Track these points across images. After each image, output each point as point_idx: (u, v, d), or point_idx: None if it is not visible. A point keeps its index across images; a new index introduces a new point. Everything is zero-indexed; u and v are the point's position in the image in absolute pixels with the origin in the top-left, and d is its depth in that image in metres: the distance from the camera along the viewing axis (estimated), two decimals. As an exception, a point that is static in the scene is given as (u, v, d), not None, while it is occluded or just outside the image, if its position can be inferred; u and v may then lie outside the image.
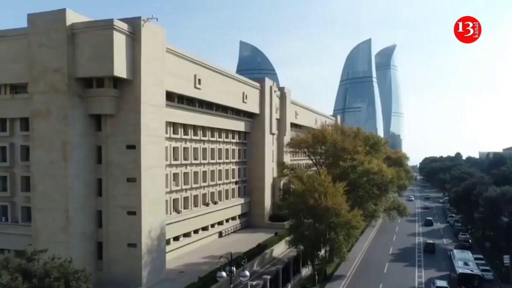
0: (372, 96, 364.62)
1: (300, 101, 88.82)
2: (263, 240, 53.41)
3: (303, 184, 39.30)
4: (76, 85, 35.82)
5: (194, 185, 51.92)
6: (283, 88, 77.14)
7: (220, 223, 59.16)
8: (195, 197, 52.88)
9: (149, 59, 37.93)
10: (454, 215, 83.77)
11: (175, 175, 48.13)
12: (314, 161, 51.90)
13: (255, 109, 65.91)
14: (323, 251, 42.48)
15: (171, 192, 46.95)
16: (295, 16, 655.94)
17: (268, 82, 68.58)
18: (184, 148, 50.00)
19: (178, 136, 48.15)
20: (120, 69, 35.43)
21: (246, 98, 61.41)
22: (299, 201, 39.04)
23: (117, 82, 37.05)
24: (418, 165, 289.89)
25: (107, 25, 34.72)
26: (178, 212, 48.40)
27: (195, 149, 52.53)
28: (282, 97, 76.05)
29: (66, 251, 35.00)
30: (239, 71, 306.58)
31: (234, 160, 63.12)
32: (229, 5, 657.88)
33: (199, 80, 48.21)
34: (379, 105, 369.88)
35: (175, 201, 48.38)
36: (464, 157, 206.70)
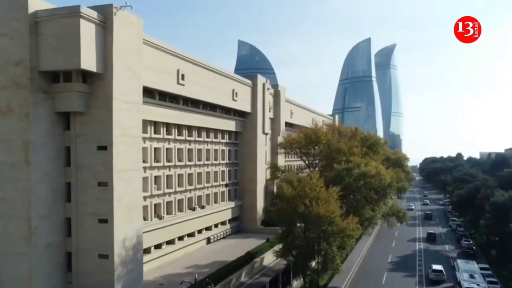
0: (371, 95, 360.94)
1: (296, 100, 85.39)
2: (253, 247, 50.02)
3: (293, 189, 35.81)
4: (40, 80, 32.30)
5: (178, 189, 48.42)
6: (277, 85, 73.59)
7: (208, 228, 55.64)
8: (180, 201, 49.36)
9: (123, 51, 34.42)
10: (456, 218, 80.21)
11: (157, 178, 44.62)
12: (307, 163, 48.31)
13: (247, 108, 62.38)
14: (315, 262, 38.95)
15: (152, 196, 43.45)
16: (295, 16, 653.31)
17: (260, 79, 65.05)
18: (167, 149, 46.50)
19: (160, 136, 44.63)
20: (89, 62, 31.93)
21: (236, 96, 57.87)
22: (288, 207, 35.52)
23: (86, 76, 33.57)
24: (418, 165, 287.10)
25: (73, 13, 31.21)
26: (160, 218, 44.87)
27: (180, 150, 49.03)
28: (276, 95, 72.50)
29: (29, 263, 31.78)
30: (237, 70, 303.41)
31: (224, 162, 59.59)
32: (229, 5, 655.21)
33: (183, 75, 44.69)
34: (378, 105, 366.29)
35: (157, 206, 44.85)
36: (464, 157, 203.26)
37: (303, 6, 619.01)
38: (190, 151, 51.12)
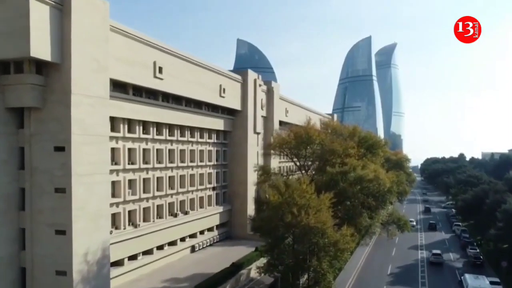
0: (372, 95, 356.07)
1: (291, 98, 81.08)
2: (240, 257, 45.73)
3: (280, 195, 31.50)
4: (-14, 70, 28.06)
5: (157, 193, 44.10)
6: (270, 82, 69.32)
7: (192, 236, 51.29)
8: (159, 207, 45.06)
9: (85, 38, 30.14)
10: (460, 223, 75.72)
11: (132, 182, 40.34)
12: (298, 165, 43.96)
13: (236, 105, 58.03)
14: (305, 278, 34.56)
15: (125, 202, 39.15)
16: (295, 16, 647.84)
17: (251, 74, 60.72)
18: (144, 149, 42.20)
19: (135, 135, 40.32)
20: (41, 49, 27.68)
21: (223, 92, 53.51)
22: (274, 216, 31.17)
23: (41, 66, 29.33)
24: (419, 165, 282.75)
25: (21, -8, 26.92)
26: (136, 226, 40.54)
27: (159, 151, 44.73)
28: (269, 92, 68.25)
29: (-27, 281, 27.57)
30: (236, 69, 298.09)
31: (211, 163, 55.27)
32: (229, 5, 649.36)
33: (160, 68, 40.37)
34: (379, 104, 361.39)
35: (132, 213, 40.55)
36: (466, 158, 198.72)
37: (303, 6, 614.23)
38: (171, 152, 46.82)
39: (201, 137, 52.90)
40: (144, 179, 42.19)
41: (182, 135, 48.78)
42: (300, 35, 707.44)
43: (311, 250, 31.04)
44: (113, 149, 37.74)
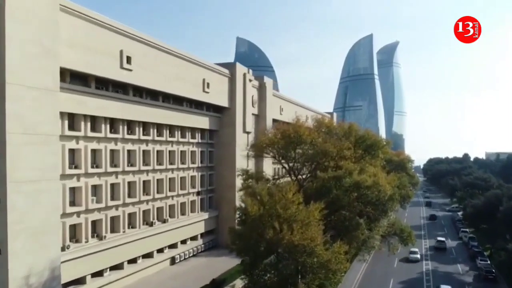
0: (373, 94, 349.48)
1: (288, 95, 76.08)
2: (225, 271, 40.78)
3: (261, 206, 26.44)
4: None
5: (129, 200, 39.12)
6: (262, 77, 64.26)
7: (172, 246, 46.29)
8: (132, 215, 40.07)
9: (25, 18, 25.19)
10: (467, 229, 70.26)
11: (97, 188, 35.35)
12: (287, 168, 38.81)
13: (223, 102, 52.98)
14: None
15: (87, 211, 34.16)
16: (295, 16, 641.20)
17: (240, 68, 55.67)
18: (113, 150, 37.25)
19: (100, 135, 35.33)
20: (-35, 29, 22.67)
21: (207, 87, 48.45)
22: (254, 231, 26.08)
23: (-30, 51, 24.30)
24: (422, 165, 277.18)
25: None
26: (101, 238, 35.50)
27: (132, 152, 39.76)
28: (262, 88, 63.24)
29: None
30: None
31: (194, 165, 50.24)
32: (229, 5, 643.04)
33: (129, 58, 35.36)
34: (381, 103, 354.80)
35: (97, 223, 35.56)
36: (470, 158, 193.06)
37: (303, 6, 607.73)
38: (146, 153, 41.81)
39: (183, 136, 47.87)
40: (112, 184, 37.23)
41: (160, 134, 43.76)
42: (300, 35, 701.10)
43: (298, 271, 25.91)
44: (72, 151, 32.85)
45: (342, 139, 38.44)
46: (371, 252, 37.62)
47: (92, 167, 34.57)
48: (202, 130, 51.81)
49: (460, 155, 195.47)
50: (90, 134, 34.17)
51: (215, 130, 54.29)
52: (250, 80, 58.25)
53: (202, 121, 50.85)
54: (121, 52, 34.54)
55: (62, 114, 31.11)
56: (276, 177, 40.17)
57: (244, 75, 56.34)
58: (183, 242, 48.35)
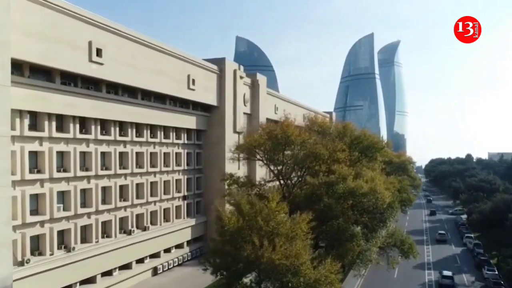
0: (374, 93, 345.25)
1: (282, 94, 72.64)
2: (211, 282, 37.26)
3: (240, 217, 23.02)
4: None
5: (103, 207, 35.73)
6: (255, 74, 60.92)
7: (154, 255, 42.84)
8: (106, 223, 36.68)
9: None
10: (472, 235, 66.54)
11: (64, 194, 31.97)
12: (276, 172, 35.29)
13: (211, 100, 49.58)
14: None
15: (53, 220, 30.82)
16: (295, 16, 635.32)
17: (230, 64, 52.24)
18: (84, 153, 33.86)
19: (68, 135, 32.00)
20: None
21: (193, 84, 45.04)
22: (231, 246, 22.64)
23: None
24: (423, 166, 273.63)
25: None
26: (69, 249, 32.09)
27: (106, 154, 36.38)
28: (254, 86, 59.85)
29: None
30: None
31: (180, 168, 46.81)
32: (229, 5, 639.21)
33: (99, 50, 31.91)
34: (382, 103, 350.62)
35: (64, 233, 32.19)
36: (473, 158, 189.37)
37: (304, 6, 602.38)
38: (124, 155, 38.43)
39: (166, 137, 44.48)
40: (83, 190, 33.87)
41: (140, 134, 40.38)
42: (300, 35, 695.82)
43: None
44: (34, 153, 29.46)
45: (336, 140, 34.92)
46: (367, 265, 34.04)
47: (59, 171, 31.21)
48: (188, 130, 48.41)
49: (461, 154, 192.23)
50: (56, 134, 30.81)
51: (203, 130, 50.91)
52: (241, 77, 54.81)
53: (188, 121, 47.46)
54: (89, 43, 31.11)
55: (21, 112, 27.88)
56: (264, 182, 36.47)
57: (235, 71, 52.89)
58: (167, 250, 44.95)
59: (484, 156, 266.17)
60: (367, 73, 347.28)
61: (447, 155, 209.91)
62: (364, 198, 29.80)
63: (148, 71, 38.10)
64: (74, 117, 32.35)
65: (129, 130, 38.69)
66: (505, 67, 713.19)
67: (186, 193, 48.15)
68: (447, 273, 44.99)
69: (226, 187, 35.61)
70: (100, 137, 35.17)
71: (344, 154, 32.12)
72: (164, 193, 44.38)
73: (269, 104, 65.13)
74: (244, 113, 57.33)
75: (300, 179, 34.22)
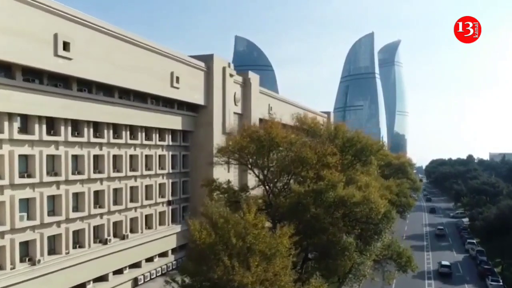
0: (374, 93, 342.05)
1: (277, 94, 69.78)
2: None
3: (213, 231, 20.19)
4: None
5: (74, 215, 32.94)
6: (247, 72, 58.08)
7: (135, 265, 39.98)
8: (79, 232, 33.85)
9: None
10: (474, 241, 63.58)
11: (29, 202, 29.17)
12: (261, 177, 32.42)
13: (197, 98, 46.76)
14: None
15: (14, 231, 28.03)
16: (295, 17, 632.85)
17: (218, 61, 49.33)
18: (52, 156, 31.04)
19: (33, 137, 29.22)
20: None
21: (177, 82, 42.21)
22: (201, 265, 19.79)
23: None
24: (424, 166, 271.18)
25: None
26: (34, 262, 29.27)
27: (79, 158, 33.56)
28: (246, 84, 57.03)
29: None
30: (235, 67, 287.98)
31: (163, 171, 44.01)
32: (228, 6, 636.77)
33: (66, 44, 29.08)
34: (382, 103, 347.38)
35: (29, 245, 29.36)
36: (475, 159, 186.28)
37: (304, 6, 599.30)
38: (99, 158, 35.61)
39: (148, 138, 41.67)
40: (51, 196, 31.06)
41: (118, 136, 37.54)
42: (300, 35, 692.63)
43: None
44: (-7, 157, 26.66)
45: (326, 142, 32.01)
46: (361, 280, 31.15)
47: (22, 176, 28.41)
48: (173, 131, 45.61)
49: (462, 154, 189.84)
50: (17, 136, 28.04)
51: (189, 131, 48.10)
52: (232, 75, 51.98)
53: (173, 121, 44.65)
54: (55, 36, 28.27)
55: (-25, 111, 25.09)
56: (247, 188, 33.56)
57: (224, 69, 50.04)
58: (149, 260, 42.09)
59: (485, 156, 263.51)
60: (367, 73, 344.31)
61: (448, 155, 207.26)
62: (356, 208, 26.94)
63: (125, 68, 35.29)
64: (40, 117, 29.55)
65: (105, 131, 35.86)
66: (505, 67, 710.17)
67: (171, 198, 45.37)
68: (445, 262, 50.98)
69: (207, 194, 32.74)
70: (71, 138, 32.34)
71: (335, 158, 29.27)
72: (146, 199, 41.59)
73: (263, 103, 62.29)
74: (235, 113, 54.54)
75: (285, 186, 31.37)
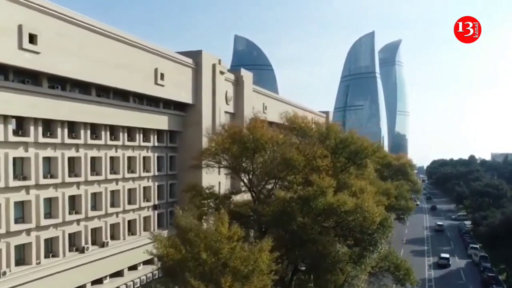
0: (375, 93, 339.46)
1: (272, 93, 67.39)
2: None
3: (183, 247, 17.75)
4: None
5: (46, 222, 30.50)
6: (239, 70, 55.65)
7: (116, 274, 37.53)
8: (52, 240, 31.44)
9: None
10: (477, 246, 60.96)
11: (-8, 209, 26.71)
12: (245, 181, 29.88)
13: (184, 97, 44.32)
14: None
15: (-26, 241, 25.54)
16: (295, 16, 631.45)
17: (207, 57, 46.86)
18: (21, 158, 28.66)
19: (-3, 138, 26.73)
20: None
21: (161, 78, 39.75)
22: (172, 284, 17.39)
23: None
24: (424, 166, 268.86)
25: None
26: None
27: (52, 160, 31.15)
28: (238, 82, 54.61)
29: None
30: (233, 66, 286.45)
31: (148, 174, 41.54)
32: (228, 5, 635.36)
33: (33, 36, 26.65)
34: (383, 103, 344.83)
35: (-8, 255, 26.93)
36: (477, 160, 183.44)
37: (304, 7, 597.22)
38: (75, 160, 33.17)
39: (131, 139, 39.23)
40: (19, 202, 28.64)
41: (96, 136, 35.10)
42: (300, 35, 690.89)
43: None
44: (-51, 160, 24.24)
45: (316, 143, 29.50)
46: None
47: (-16, 181, 25.99)
48: (159, 131, 43.17)
49: (464, 154, 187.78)
50: (-24, 137, 25.60)
51: (177, 131, 45.65)
52: (222, 73, 49.50)
53: (159, 121, 42.21)
54: (19, 27, 25.85)
55: None
56: (228, 194, 31.11)
57: (214, 65, 47.55)
58: (133, 268, 39.65)
59: (487, 156, 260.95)
60: (367, 72, 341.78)
61: (449, 155, 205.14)
62: (348, 217, 24.42)
63: (103, 64, 32.85)
64: (5, 117, 27.15)
65: (82, 132, 33.39)
66: (506, 67, 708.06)
67: (157, 202, 42.91)
68: (444, 255, 58.02)
69: (189, 200, 30.26)
70: (42, 139, 29.92)
71: (326, 160, 26.74)
72: (129, 203, 39.17)
73: (257, 102, 59.74)
74: (227, 112, 52.14)
75: (271, 191, 28.88)
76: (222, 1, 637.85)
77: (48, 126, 30.74)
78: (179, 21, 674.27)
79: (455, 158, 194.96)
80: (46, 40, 27.47)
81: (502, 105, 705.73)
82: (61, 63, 29.01)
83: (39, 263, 29.89)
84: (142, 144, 40.59)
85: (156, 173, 42.64)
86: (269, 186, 29.66)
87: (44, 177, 30.22)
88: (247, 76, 56.31)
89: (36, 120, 29.38)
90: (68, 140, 32.06)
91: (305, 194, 24.29)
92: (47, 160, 30.77)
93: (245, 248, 17.80)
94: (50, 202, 31.09)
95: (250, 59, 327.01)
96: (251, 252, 17.81)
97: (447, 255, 57.53)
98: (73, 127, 32.86)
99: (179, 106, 45.03)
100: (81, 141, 33.34)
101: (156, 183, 42.78)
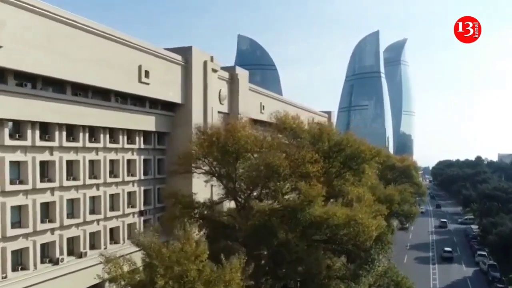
0: (380, 93, 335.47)
1: (270, 92, 64.75)
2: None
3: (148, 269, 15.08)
4: None
5: (14, 232, 28.00)
6: (234, 68, 53.15)
7: (96, 287, 34.90)
8: (22, 252, 28.89)
9: None
10: (485, 253, 57.81)
11: (-51, 219, 24.22)
12: (229, 190, 27.06)
13: (172, 96, 41.73)
14: None
15: None
16: (299, 16, 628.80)
17: (198, 54, 44.24)
18: (-18, 163, 26.11)
19: (-46, 141, 24.21)
20: None
21: (146, 76, 37.16)
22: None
23: None
24: (431, 167, 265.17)
25: None
26: (-44, 291, 24.36)
27: (21, 165, 28.63)
28: (233, 81, 51.99)
29: None
30: (236, 65, 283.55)
31: (134, 178, 39.00)
32: (231, 5, 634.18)
33: (-7, 28, 24.13)
34: (388, 103, 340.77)
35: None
36: (484, 161, 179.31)
37: (307, 6, 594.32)
38: (49, 164, 30.66)
39: (113, 141, 36.66)
40: (-18, 211, 26.11)
41: (74, 139, 32.57)
42: (303, 35, 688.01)
43: None
44: None
45: (306, 146, 26.69)
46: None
47: None
48: (145, 133, 40.60)
49: (470, 155, 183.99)
50: None
51: (165, 132, 43.08)
52: (215, 70, 46.87)
53: (145, 121, 39.65)
54: (-23, 18, 23.37)
55: None
56: (209, 202, 28.42)
57: (205, 63, 44.92)
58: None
59: (494, 157, 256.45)
60: (372, 72, 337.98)
61: (455, 156, 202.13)
62: (340, 231, 21.62)
63: (78, 59, 30.30)
64: (-36, 117, 24.66)
65: (57, 133, 30.85)
66: (507, 67, 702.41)
67: (143, 208, 40.33)
68: (447, 248, 60.81)
69: (169, 208, 27.63)
70: (9, 142, 27.43)
71: (317, 166, 23.92)
72: (112, 209, 36.62)
73: (253, 102, 57.20)
74: (221, 112, 49.52)
75: (245, 203, 26.00)
76: (223, 1, 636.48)
77: (17, 127, 28.27)
78: (181, 22, 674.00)
79: (462, 159, 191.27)
80: (10, 33, 24.93)
81: (508, 106, 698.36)
82: (27, 58, 26.48)
83: (6, 277, 27.35)
84: (126, 146, 38.02)
85: (142, 177, 40.07)
86: (256, 194, 26.91)
87: (12, 183, 27.72)
88: (242, 74, 53.69)
89: (1, 121, 26.88)
90: (39, 143, 29.53)
91: (291, 204, 21.50)
92: (16, 165, 28.28)
93: (214, 268, 15.24)
94: (19, 210, 28.57)
95: (253, 59, 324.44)
96: (222, 272, 15.22)
97: (450, 249, 60.16)
98: (46, 129, 30.34)
99: (167, 105, 42.45)
100: (55, 144, 30.78)
101: (143, 188, 40.20)
